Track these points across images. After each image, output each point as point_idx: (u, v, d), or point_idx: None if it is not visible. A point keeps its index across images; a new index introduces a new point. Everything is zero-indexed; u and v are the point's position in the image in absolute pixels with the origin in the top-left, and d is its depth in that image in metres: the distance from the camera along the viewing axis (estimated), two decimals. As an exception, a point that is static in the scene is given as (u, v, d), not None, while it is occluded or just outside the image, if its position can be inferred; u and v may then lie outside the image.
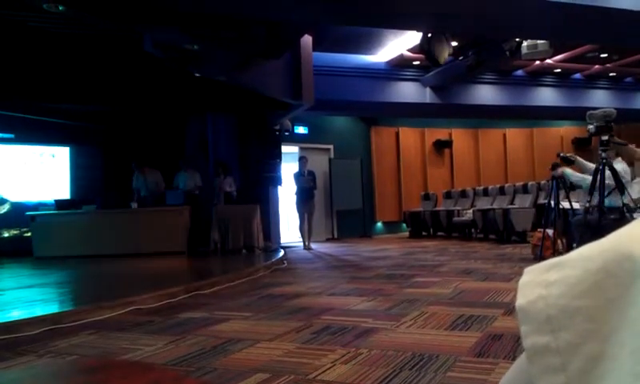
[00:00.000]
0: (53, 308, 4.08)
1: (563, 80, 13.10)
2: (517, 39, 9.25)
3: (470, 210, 10.81)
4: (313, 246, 10.51)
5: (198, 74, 7.83)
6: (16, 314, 3.74)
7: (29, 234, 9.39)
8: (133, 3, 5.42)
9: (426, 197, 13.20)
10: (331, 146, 13.47)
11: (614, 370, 0.33)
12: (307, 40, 9.47)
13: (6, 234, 10.15)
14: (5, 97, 8.82)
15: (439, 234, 12.39)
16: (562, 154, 5.81)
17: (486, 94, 12.64)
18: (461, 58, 10.37)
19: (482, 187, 12.06)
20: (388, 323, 3.17)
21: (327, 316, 3.47)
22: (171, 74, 7.68)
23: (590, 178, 5.31)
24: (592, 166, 5.46)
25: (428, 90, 12.11)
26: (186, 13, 5.81)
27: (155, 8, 5.63)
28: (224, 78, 7.91)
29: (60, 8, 5.22)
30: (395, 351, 2.52)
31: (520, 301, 0.38)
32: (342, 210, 13.24)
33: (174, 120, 10.87)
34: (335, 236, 13.18)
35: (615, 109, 4.66)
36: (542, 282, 0.38)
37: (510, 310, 3.43)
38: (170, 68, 7.17)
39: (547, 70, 12.59)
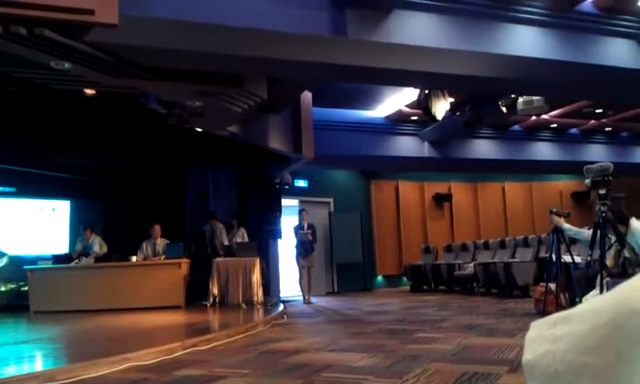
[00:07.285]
0: (47, 364, 3.99)
1: (560, 135, 13.29)
2: (512, 95, 9.43)
3: (471, 264, 10.72)
4: (313, 299, 10.38)
5: (199, 129, 7.94)
6: (9, 371, 3.65)
7: (26, 289, 9.28)
8: (137, 61, 5.56)
9: (427, 250, 13.12)
10: (331, 200, 13.51)
11: None
12: (307, 96, 9.68)
13: (2, 288, 10.03)
14: (7, 151, 8.91)
15: (440, 287, 12.24)
16: (554, 210, 5.63)
17: (483, 148, 12.79)
18: (458, 113, 10.55)
19: (482, 241, 12.01)
20: (390, 381, 3.09)
21: (327, 373, 3.39)
22: (172, 128, 7.79)
23: (584, 230, 5.33)
24: (584, 231, 5.49)
25: (426, 144, 12.27)
26: (188, 71, 5.96)
27: (158, 66, 5.77)
28: (225, 132, 8.02)
29: (66, 66, 5.34)
30: (398, 410, 2.45)
31: (527, 356, 0.38)
32: (343, 263, 13.15)
33: (175, 174, 10.95)
34: (335, 290, 13.04)
35: (612, 163, 4.70)
36: (549, 337, 0.37)
37: (514, 367, 3.35)
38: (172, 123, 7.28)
39: (544, 125, 12.79)
